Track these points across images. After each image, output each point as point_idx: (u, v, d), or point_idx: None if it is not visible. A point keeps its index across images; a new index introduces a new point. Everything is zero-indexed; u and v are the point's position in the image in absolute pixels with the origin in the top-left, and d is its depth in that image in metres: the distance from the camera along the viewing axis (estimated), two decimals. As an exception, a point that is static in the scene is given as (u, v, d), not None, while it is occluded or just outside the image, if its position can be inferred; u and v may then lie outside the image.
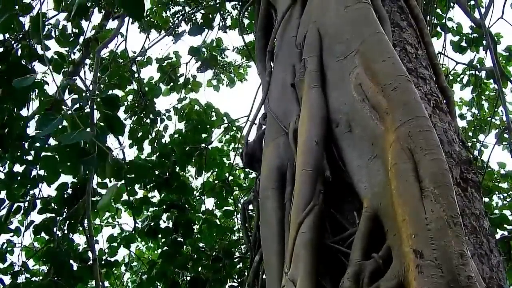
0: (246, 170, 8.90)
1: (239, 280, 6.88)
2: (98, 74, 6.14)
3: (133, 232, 7.15)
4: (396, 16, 3.67)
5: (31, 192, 6.15)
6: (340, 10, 3.22)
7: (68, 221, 5.82)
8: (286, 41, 3.67)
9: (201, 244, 7.16)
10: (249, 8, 6.41)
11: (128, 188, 6.38)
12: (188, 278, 6.67)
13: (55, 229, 5.78)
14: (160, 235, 6.85)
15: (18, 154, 5.57)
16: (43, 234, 6.00)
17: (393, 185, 2.40)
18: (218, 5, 7.67)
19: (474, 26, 8.22)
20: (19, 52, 5.49)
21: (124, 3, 3.84)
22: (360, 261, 2.39)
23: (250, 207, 4.26)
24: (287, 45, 3.62)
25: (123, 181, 5.85)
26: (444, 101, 3.27)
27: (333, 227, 2.70)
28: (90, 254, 5.75)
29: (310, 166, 2.72)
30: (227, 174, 7.83)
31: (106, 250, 7.12)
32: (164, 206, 6.71)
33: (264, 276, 3.50)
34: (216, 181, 7.75)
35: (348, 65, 2.93)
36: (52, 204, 5.98)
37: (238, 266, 7.11)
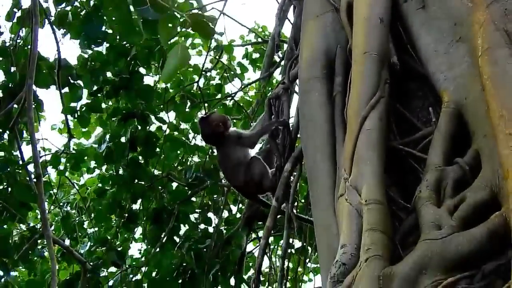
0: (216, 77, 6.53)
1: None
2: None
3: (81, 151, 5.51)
4: None
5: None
6: None
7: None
8: None
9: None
10: None
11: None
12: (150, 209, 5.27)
13: None
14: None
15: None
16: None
17: (486, 74, 2.00)
18: None
19: None
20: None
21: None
22: (441, 167, 1.99)
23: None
24: None
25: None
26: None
27: (401, 126, 2.28)
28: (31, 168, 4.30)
29: (374, 49, 2.27)
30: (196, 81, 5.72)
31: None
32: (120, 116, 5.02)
33: (297, 189, 3.03)
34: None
35: None
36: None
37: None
